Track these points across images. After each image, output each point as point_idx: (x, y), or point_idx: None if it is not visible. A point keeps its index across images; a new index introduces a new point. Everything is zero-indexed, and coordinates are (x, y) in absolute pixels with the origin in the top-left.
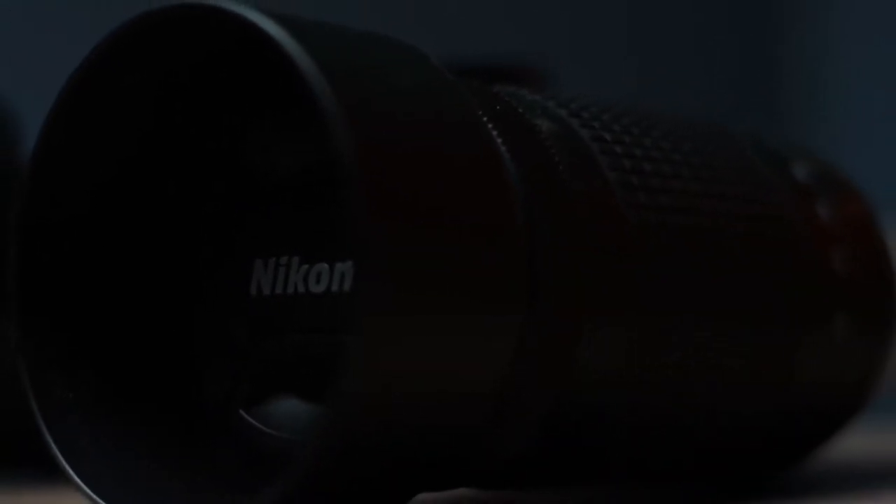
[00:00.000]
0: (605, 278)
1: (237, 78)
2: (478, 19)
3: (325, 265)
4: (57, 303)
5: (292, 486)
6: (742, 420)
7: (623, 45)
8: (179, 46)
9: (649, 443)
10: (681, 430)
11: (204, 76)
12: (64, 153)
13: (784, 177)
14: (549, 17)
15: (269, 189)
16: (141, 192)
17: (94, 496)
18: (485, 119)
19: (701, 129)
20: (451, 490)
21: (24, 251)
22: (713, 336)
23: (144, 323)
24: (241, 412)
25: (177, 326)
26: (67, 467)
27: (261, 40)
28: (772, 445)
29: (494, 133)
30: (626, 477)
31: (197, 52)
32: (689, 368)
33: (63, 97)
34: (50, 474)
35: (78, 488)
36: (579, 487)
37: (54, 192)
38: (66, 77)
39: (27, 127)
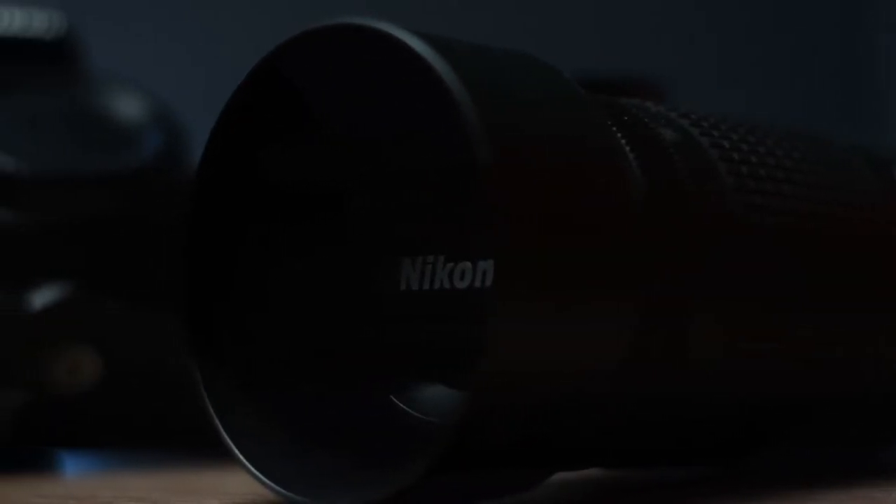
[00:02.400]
0: (715, 272)
1: (385, 88)
2: (598, 36)
3: (469, 263)
4: (222, 300)
5: (435, 463)
6: (838, 406)
7: (731, 59)
8: (335, 60)
9: (744, 428)
10: (775, 414)
11: (356, 87)
12: (228, 161)
13: (887, 179)
14: (664, 34)
15: (416, 193)
16: (299, 197)
17: (259, 474)
18: (613, 128)
19: (809, 136)
20: (583, 470)
21: (192, 253)
22: (813, 329)
23: (304, 315)
24: (392, 397)
25: (334, 318)
26: (233, 447)
27: (408, 56)
28: (867, 431)
29: (623, 141)
30: (727, 459)
31: (350, 64)
32: (785, 357)
33: (228, 109)
34: (217, 454)
35: (242, 466)
36: (686, 468)
37: (219, 197)
38: (231, 89)
39: (194, 138)
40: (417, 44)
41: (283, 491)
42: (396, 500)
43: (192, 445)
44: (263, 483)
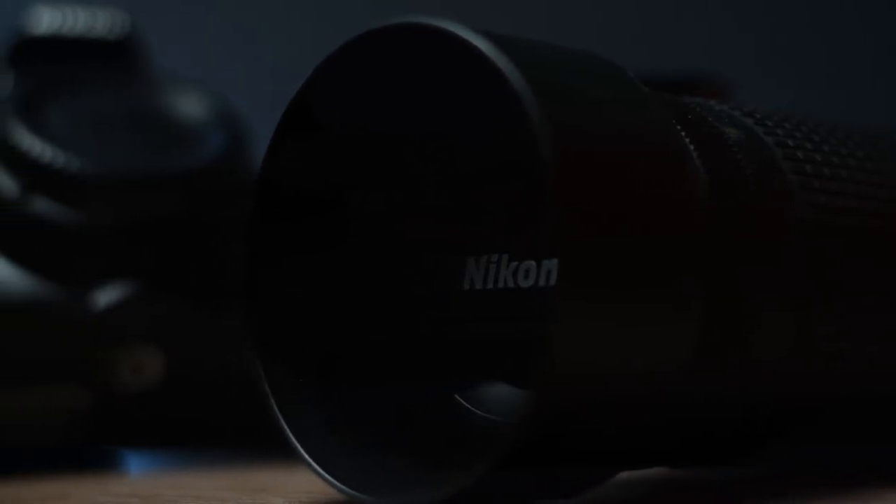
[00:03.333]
0: (780, 270)
1: (447, 87)
2: (662, 34)
3: (533, 262)
4: (285, 299)
5: (499, 461)
6: None
7: (795, 57)
8: (397, 59)
9: (809, 426)
10: (840, 412)
11: (419, 86)
12: (291, 160)
13: None
14: (728, 33)
15: (480, 192)
16: (361, 196)
17: (323, 472)
18: (678, 127)
19: (872, 134)
20: (647, 469)
21: (253, 249)
22: (880, 326)
23: (367, 313)
24: (456, 396)
25: (397, 315)
26: (298, 446)
27: (472, 55)
28: None
29: (687, 140)
30: (790, 457)
31: (412, 64)
32: (852, 354)
33: (292, 107)
34: (280, 453)
35: (307, 464)
36: (751, 466)
37: (282, 196)
38: (293, 88)
39: (256, 137)
40: (482, 43)
41: (347, 489)
42: (461, 498)
43: (255, 444)
44: (328, 481)
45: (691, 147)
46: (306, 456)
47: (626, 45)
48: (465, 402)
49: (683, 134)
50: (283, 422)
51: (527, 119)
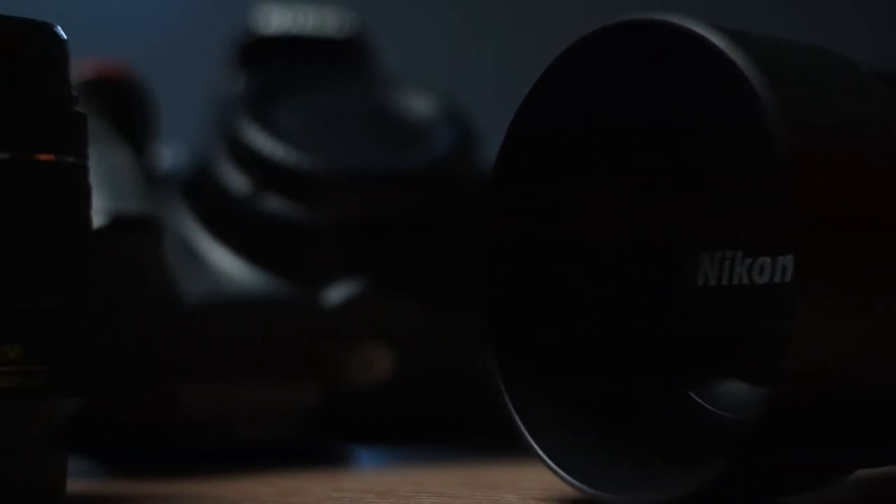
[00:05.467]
0: None
1: (679, 82)
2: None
3: (768, 259)
4: (519, 295)
5: (738, 460)
6: None
7: None
8: (628, 55)
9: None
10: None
11: (650, 82)
12: (523, 158)
13: None
14: None
15: (714, 188)
16: (592, 192)
17: (556, 467)
18: None
19: None
20: (885, 467)
21: (490, 249)
22: None
23: (600, 309)
24: (690, 392)
25: (632, 313)
26: (533, 442)
27: (705, 49)
28: None
29: None
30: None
31: (643, 59)
32: None
33: (525, 104)
34: (511, 449)
35: (541, 460)
36: None
37: (515, 191)
38: (519, 86)
39: (485, 133)
40: (716, 37)
41: (582, 485)
42: (699, 496)
43: (486, 440)
44: (562, 478)
45: None
46: (541, 452)
47: (855, 40)
48: (698, 399)
49: None
50: (517, 418)
51: (763, 114)
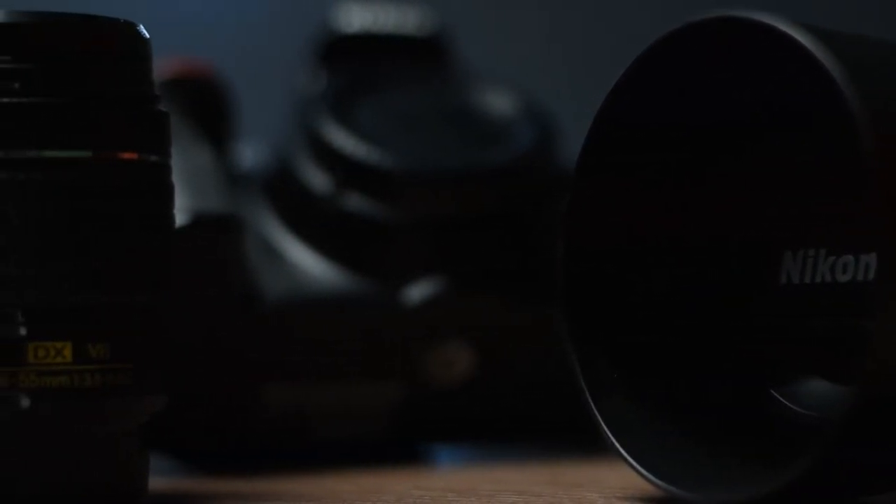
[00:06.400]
0: None
1: (762, 80)
2: None
3: (851, 257)
4: (600, 293)
5: (820, 459)
6: None
7: None
8: (711, 51)
9: None
10: None
11: (732, 78)
12: (605, 155)
13: None
14: None
15: (797, 185)
16: (677, 189)
17: (639, 466)
18: None
19: None
20: None
21: (571, 247)
22: None
23: (677, 308)
24: (772, 391)
25: (713, 310)
26: (615, 441)
27: (790, 47)
28: None
29: None
30: None
31: (726, 55)
32: None
33: (605, 104)
34: (592, 449)
35: (623, 459)
36: None
37: (597, 188)
38: (600, 84)
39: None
40: (800, 34)
41: (666, 485)
42: (782, 495)
43: (567, 438)
44: (646, 478)
45: None
46: (623, 451)
47: None
48: (780, 398)
49: None
50: (598, 416)
51: (847, 111)
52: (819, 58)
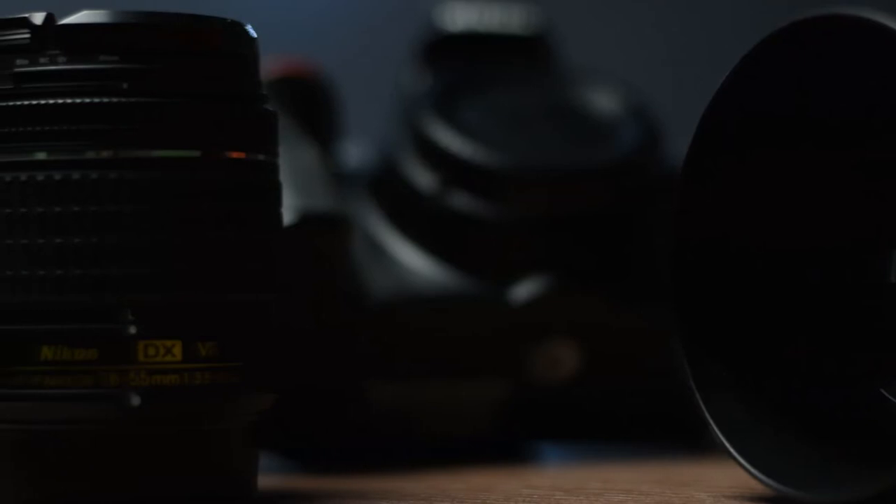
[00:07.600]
0: None
1: (872, 78)
2: None
3: None
4: (709, 291)
5: None
6: None
7: None
8: (820, 49)
9: None
10: None
11: (841, 76)
12: (713, 154)
13: None
14: None
15: None
16: (785, 186)
17: (748, 465)
18: None
19: None
20: None
21: (680, 245)
22: None
23: (792, 306)
24: (882, 390)
25: (822, 308)
26: (724, 440)
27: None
28: None
29: None
30: None
31: (835, 53)
32: None
33: (713, 104)
34: (699, 448)
35: (732, 458)
36: None
37: (705, 187)
38: (706, 80)
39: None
40: None
41: (774, 483)
42: (892, 494)
43: (675, 437)
44: (756, 477)
45: None
46: (732, 450)
47: None
48: (890, 397)
49: None
50: (708, 415)
51: None
52: None
